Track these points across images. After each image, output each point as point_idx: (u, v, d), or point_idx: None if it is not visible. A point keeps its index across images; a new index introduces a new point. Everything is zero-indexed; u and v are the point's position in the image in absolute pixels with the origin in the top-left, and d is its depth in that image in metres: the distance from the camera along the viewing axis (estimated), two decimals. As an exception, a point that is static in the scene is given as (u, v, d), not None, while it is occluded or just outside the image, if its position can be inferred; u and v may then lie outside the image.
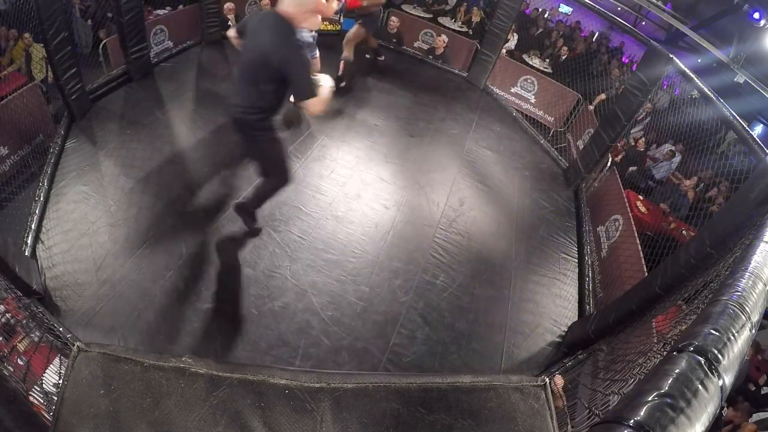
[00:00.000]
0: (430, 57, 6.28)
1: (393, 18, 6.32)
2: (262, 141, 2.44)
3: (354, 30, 4.75)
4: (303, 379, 0.83)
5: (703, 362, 0.80)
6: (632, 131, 6.36)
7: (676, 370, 0.78)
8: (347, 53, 4.80)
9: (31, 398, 1.69)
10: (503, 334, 3.01)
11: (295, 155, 3.84)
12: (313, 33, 3.93)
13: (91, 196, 3.08)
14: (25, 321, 2.28)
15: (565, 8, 9.53)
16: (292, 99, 2.55)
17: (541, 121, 5.95)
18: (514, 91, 5.99)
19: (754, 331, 0.98)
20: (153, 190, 3.21)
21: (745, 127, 2.81)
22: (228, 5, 5.63)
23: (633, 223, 3.66)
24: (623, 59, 7.99)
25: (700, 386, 0.75)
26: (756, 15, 6.29)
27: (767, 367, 4.05)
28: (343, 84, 4.87)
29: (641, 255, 3.38)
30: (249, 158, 2.90)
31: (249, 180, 3.47)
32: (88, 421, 0.78)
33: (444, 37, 6.24)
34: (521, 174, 4.58)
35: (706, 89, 3.31)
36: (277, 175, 2.69)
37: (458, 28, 7.14)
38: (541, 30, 7.80)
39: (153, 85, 4.32)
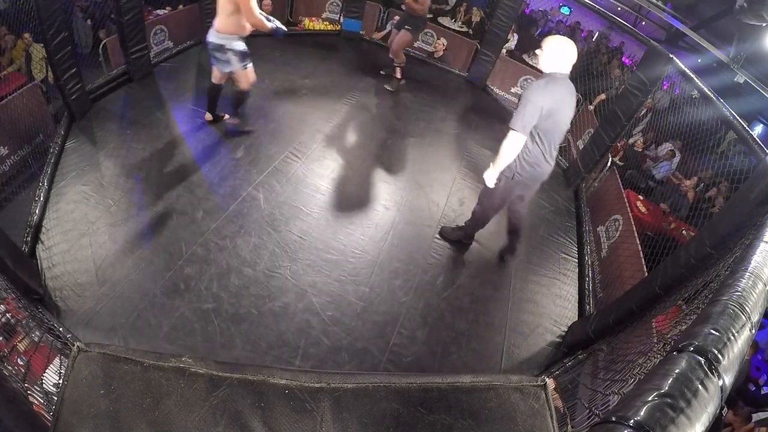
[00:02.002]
0: (430, 58, 6.28)
1: (396, 18, 6.32)
2: None
3: (400, 36, 4.90)
4: (303, 379, 0.83)
5: (703, 362, 0.80)
6: (635, 130, 6.36)
7: (676, 370, 0.78)
8: (399, 59, 5.06)
9: (31, 398, 1.69)
10: (503, 334, 3.01)
11: (295, 155, 3.84)
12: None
13: (91, 196, 3.08)
14: (25, 321, 2.28)
15: (565, 9, 9.54)
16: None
17: (541, 121, 5.95)
18: (514, 91, 6.00)
19: (754, 331, 0.98)
20: (153, 190, 3.21)
21: (745, 127, 2.81)
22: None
23: (633, 223, 3.66)
24: (624, 59, 7.99)
25: (700, 386, 0.75)
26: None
27: (767, 368, 4.06)
28: (402, 82, 5.21)
29: (641, 255, 3.38)
30: None
31: (247, 179, 3.47)
32: (88, 421, 0.77)
33: (443, 41, 6.25)
34: (521, 174, 4.58)
35: (706, 89, 3.31)
36: None
37: (458, 28, 7.14)
38: (540, 30, 7.80)
39: (153, 85, 4.32)
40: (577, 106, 5.57)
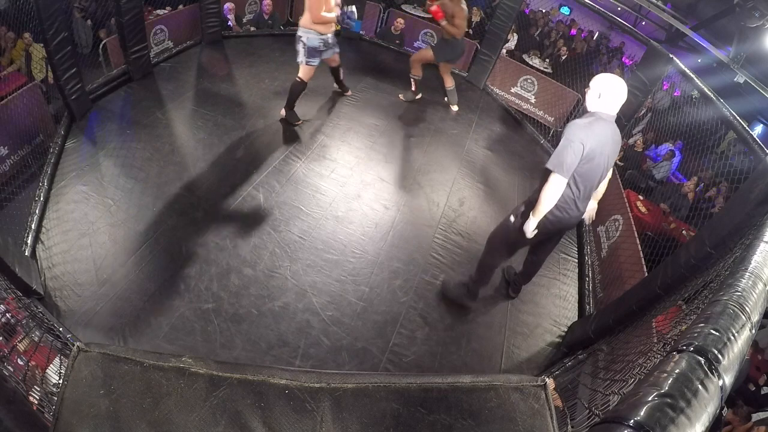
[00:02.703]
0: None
1: (399, 20, 6.33)
2: None
3: (424, 50, 4.89)
4: (303, 379, 0.83)
5: (703, 362, 0.80)
6: (634, 131, 6.36)
7: (676, 370, 0.78)
8: (415, 72, 4.91)
9: (31, 398, 1.69)
10: (503, 334, 3.01)
11: (295, 155, 3.84)
12: (325, 36, 3.78)
13: (91, 196, 3.08)
14: (25, 321, 2.28)
15: (565, 9, 9.54)
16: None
17: (541, 121, 5.95)
18: (514, 91, 6.00)
19: (754, 331, 0.98)
20: (153, 190, 3.21)
21: (745, 127, 2.81)
22: (228, 5, 5.64)
23: (633, 223, 3.66)
24: (624, 60, 8.00)
25: (700, 386, 0.75)
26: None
27: (767, 367, 4.06)
28: (419, 96, 5.14)
29: (641, 255, 3.38)
30: None
31: (247, 179, 3.47)
32: (88, 421, 0.77)
33: None
34: (521, 174, 4.58)
35: (706, 89, 3.31)
36: None
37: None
38: (540, 29, 7.80)
39: (153, 85, 4.32)
40: (577, 105, 5.62)
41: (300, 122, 4.20)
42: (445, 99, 5.21)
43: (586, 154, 2.25)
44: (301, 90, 4.00)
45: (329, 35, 3.83)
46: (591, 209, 2.74)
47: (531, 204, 2.45)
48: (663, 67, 3.78)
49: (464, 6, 4.44)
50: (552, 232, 2.61)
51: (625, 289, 2.92)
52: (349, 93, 4.88)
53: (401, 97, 5.11)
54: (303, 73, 3.88)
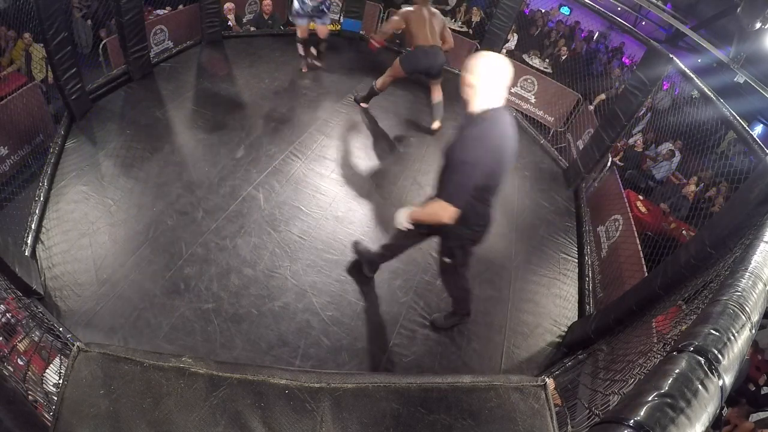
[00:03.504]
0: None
1: (394, 17, 6.32)
2: None
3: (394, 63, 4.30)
4: (303, 379, 0.83)
5: (703, 362, 0.80)
6: (634, 130, 6.36)
7: (676, 370, 0.78)
8: (380, 84, 4.43)
9: (31, 398, 1.69)
10: (503, 334, 3.01)
11: (295, 155, 3.84)
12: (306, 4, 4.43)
13: (91, 196, 3.08)
14: (25, 321, 2.28)
15: (565, 9, 9.53)
16: None
17: (541, 121, 5.95)
18: (514, 91, 6.00)
19: (754, 331, 0.98)
20: (153, 190, 3.21)
21: (745, 127, 2.81)
22: (228, 5, 5.64)
23: (633, 223, 3.67)
24: (624, 60, 8.00)
25: (700, 386, 0.75)
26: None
27: (767, 367, 4.06)
28: (364, 105, 4.71)
29: (641, 255, 3.38)
30: None
31: (247, 179, 3.47)
32: (88, 421, 0.77)
33: None
34: (521, 174, 4.58)
35: (706, 89, 3.31)
36: None
37: (458, 28, 7.14)
38: (540, 29, 7.80)
39: (153, 85, 4.32)
40: (577, 105, 5.60)
41: (306, 62, 5.01)
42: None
43: (486, 174, 1.91)
44: (301, 41, 4.85)
45: (310, 4, 4.49)
46: None
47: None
48: (663, 67, 3.78)
49: (425, 12, 4.00)
50: (464, 249, 2.41)
51: (625, 289, 2.92)
52: (320, 65, 5.13)
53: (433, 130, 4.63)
54: (297, 31, 4.77)
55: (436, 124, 4.65)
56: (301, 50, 4.93)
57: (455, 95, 5.55)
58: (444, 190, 1.94)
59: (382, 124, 4.58)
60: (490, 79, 1.87)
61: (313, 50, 5.06)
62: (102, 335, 2.37)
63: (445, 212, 1.92)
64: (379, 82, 4.44)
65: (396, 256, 2.75)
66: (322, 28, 4.80)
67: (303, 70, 5.02)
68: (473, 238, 2.26)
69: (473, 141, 1.87)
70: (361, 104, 4.71)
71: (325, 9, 4.66)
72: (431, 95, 4.51)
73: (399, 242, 2.58)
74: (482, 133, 1.88)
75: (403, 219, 2.19)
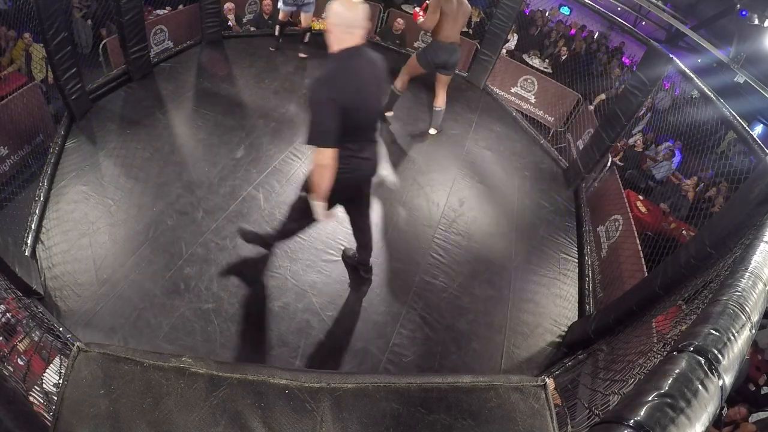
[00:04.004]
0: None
1: (398, 19, 6.32)
2: None
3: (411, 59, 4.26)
4: (303, 379, 0.83)
5: (703, 362, 0.80)
6: (634, 130, 6.36)
7: (676, 370, 0.78)
8: (399, 84, 4.35)
9: (31, 398, 1.69)
10: (503, 334, 3.01)
11: (295, 155, 3.84)
12: None
13: (91, 196, 3.08)
14: (25, 321, 2.28)
15: (565, 9, 9.53)
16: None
17: (541, 121, 5.96)
18: (514, 91, 6.00)
19: (754, 331, 0.98)
20: (153, 190, 3.21)
21: (745, 127, 2.81)
22: (228, 5, 5.64)
23: (633, 223, 3.67)
24: (624, 59, 8.00)
25: (700, 386, 0.75)
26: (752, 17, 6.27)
27: (767, 367, 4.06)
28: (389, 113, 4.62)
29: (641, 255, 3.38)
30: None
31: (247, 179, 3.47)
32: (88, 421, 0.78)
33: None
34: (521, 174, 4.58)
35: (706, 89, 3.31)
36: None
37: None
38: (539, 29, 7.80)
39: (153, 85, 4.32)
40: (577, 105, 5.60)
41: (276, 44, 5.25)
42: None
43: (345, 109, 1.91)
44: (279, 23, 5.12)
45: None
46: None
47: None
48: (663, 67, 3.78)
49: (455, 3, 3.86)
50: (349, 194, 2.34)
51: (625, 289, 2.92)
52: (304, 55, 5.29)
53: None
54: (280, 14, 5.01)
55: (432, 130, 4.61)
56: (276, 31, 5.22)
57: (454, 95, 5.55)
58: (308, 135, 1.98)
59: (382, 124, 4.58)
60: (342, 20, 1.92)
61: (301, 45, 5.33)
62: (102, 335, 2.37)
63: (320, 155, 1.97)
64: (398, 84, 4.37)
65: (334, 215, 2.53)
66: (306, 17, 5.03)
67: (271, 49, 5.28)
68: (354, 178, 2.23)
69: (323, 80, 1.94)
70: (386, 113, 4.61)
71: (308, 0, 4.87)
72: (435, 99, 4.43)
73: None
74: (333, 72, 1.95)
75: (318, 210, 2.19)
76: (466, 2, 4.04)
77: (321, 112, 1.91)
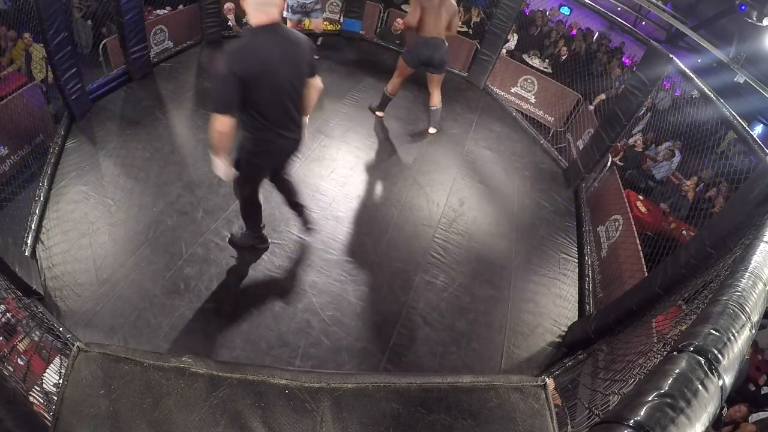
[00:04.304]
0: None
1: (398, 19, 6.32)
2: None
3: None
4: (303, 379, 0.83)
5: (703, 362, 0.80)
6: (634, 130, 6.35)
7: (676, 370, 0.78)
8: (390, 87, 4.36)
9: (31, 398, 1.69)
10: (503, 334, 3.01)
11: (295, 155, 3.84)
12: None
13: (91, 196, 3.08)
14: (25, 321, 2.28)
15: (565, 9, 9.53)
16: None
17: (541, 121, 5.95)
18: (514, 91, 6.00)
19: (754, 331, 0.98)
20: (153, 190, 3.21)
21: (745, 127, 2.81)
22: (228, 5, 5.64)
23: (633, 223, 3.67)
24: (624, 59, 7.99)
25: (700, 386, 0.75)
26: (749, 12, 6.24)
27: (767, 367, 4.06)
28: (380, 114, 4.62)
29: (641, 255, 3.38)
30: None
31: (249, 180, 3.47)
32: (88, 421, 0.78)
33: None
34: (521, 174, 4.58)
35: (706, 89, 3.31)
36: None
37: (458, 28, 7.13)
38: (539, 29, 7.80)
39: (153, 85, 4.32)
40: (577, 105, 5.60)
41: None
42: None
43: (249, 82, 2.00)
44: None
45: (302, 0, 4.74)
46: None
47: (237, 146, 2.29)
48: (663, 67, 3.78)
49: (437, 0, 3.86)
50: (269, 161, 2.42)
51: (625, 289, 2.92)
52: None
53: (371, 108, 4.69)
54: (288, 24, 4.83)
55: (432, 129, 4.59)
56: None
57: (454, 95, 5.56)
58: (211, 102, 2.15)
59: (382, 124, 4.58)
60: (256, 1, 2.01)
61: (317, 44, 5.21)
62: (102, 335, 2.37)
63: (217, 121, 2.05)
64: (389, 87, 4.38)
65: (257, 200, 2.66)
66: (316, 22, 5.05)
67: None
68: (268, 151, 2.32)
69: (229, 53, 2.03)
70: (377, 113, 4.63)
71: (312, 6, 4.83)
72: (430, 99, 4.42)
73: (245, 182, 2.50)
74: (239, 46, 2.04)
75: (218, 165, 2.26)
76: (450, 0, 3.99)
77: (222, 82, 2.01)
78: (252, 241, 2.92)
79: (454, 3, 4.05)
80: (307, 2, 4.75)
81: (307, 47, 2.20)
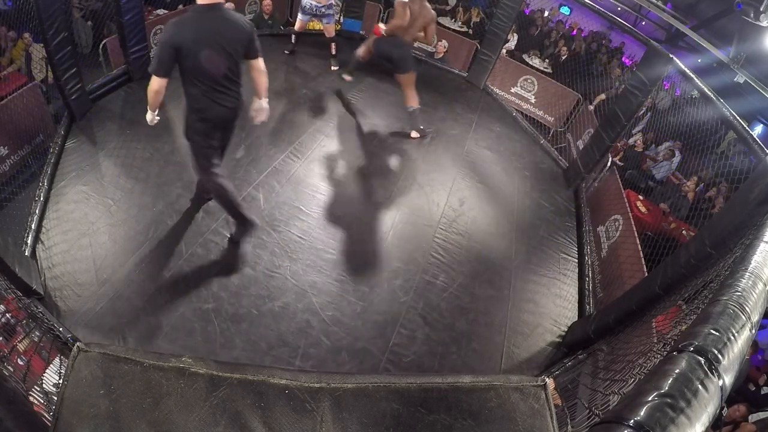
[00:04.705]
0: (430, 59, 6.29)
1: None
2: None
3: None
4: (303, 379, 0.83)
5: (703, 362, 0.80)
6: (634, 130, 6.35)
7: (676, 370, 0.78)
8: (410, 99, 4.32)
9: (31, 398, 1.69)
10: (503, 334, 3.01)
11: (295, 155, 3.84)
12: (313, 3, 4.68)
13: (91, 196, 3.08)
14: (25, 321, 2.28)
15: (565, 9, 9.52)
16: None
17: (541, 121, 5.96)
18: (514, 91, 6.00)
19: (754, 331, 0.98)
20: (153, 190, 3.21)
21: (745, 127, 2.81)
22: (228, 5, 5.64)
23: (633, 223, 3.67)
24: (624, 59, 8.00)
25: (700, 386, 0.75)
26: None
27: (767, 367, 4.06)
28: (348, 78, 4.71)
29: (641, 255, 3.38)
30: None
31: (247, 179, 3.47)
32: (88, 421, 0.78)
33: (444, 43, 6.25)
34: (521, 174, 4.58)
35: (706, 89, 3.31)
36: None
37: (458, 28, 7.14)
38: (539, 29, 7.80)
39: (153, 85, 4.31)
40: (577, 105, 5.60)
41: (292, 47, 5.27)
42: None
43: (182, 51, 2.27)
44: (294, 32, 5.17)
45: (314, 4, 4.70)
46: (257, 108, 2.79)
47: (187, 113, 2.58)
48: (663, 67, 3.78)
49: (416, 6, 3.90)
50: (211, 127, 2.61)
51: (625, 289, 2.92)
52: (333, 69, 5.16)
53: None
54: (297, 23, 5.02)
55: (413, 134, 4.45)
56: (292, 39, 5.30)
57: (454, 95, 5.56)
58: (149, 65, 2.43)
59: (383, 124, 4.58)
60: None
61: (331, 60, 5.27)
62: (102, 335, 2.37)
63: (152, 81, 2.40)
64: (411, 102, 4.36)
65: (213, 166, 2.71)
66: (328, 28, 5.02)
67: (285, 52, 5.29)
68: (204, 116, 2.55)
69: (168, 25, 2.31)
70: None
71: (324, 11, 4.80)
72: (404, 100, 4.35)
73: (197, 151, 2.68)
74: (179, 20, 2.32)
75: (148, 117, 2.66)
76: (429, 8, 4.00)
77: (159, 48, 2.31)
78: (243, 229, 2.89)
79: (432, 11, 4.05)
80: (320, 6, 4.74)
81: (246, 29, 2.43)
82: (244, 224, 2.86)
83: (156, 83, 2.40)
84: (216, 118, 2.57)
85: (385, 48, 4.09)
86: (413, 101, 4.35)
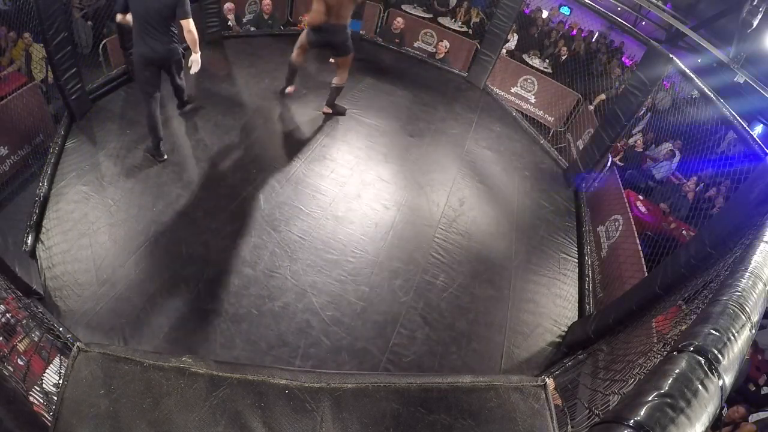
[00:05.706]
0: (431, 59, 6.29)
1: (398, 18, 6.32)
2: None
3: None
4: (303, 379, 0.83)
5: (703, 362, 0.80)
6: (634, 130, 6.35)
7: (676, 370, 0.78)
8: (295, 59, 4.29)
9: (31, 398, 1.69)
10: (503, 334, 3.01)
11: (295, 155, 3.84)
12: None
13: (91, 196, 3.08)
14: (25, 321, 2.28)
15: (565, 9, 9.53)
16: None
17: (541, 121, 5.96)
18: (514, 91, 6.00)
19: (754, 331, 0.98)
20: (153, 190, 3.21)
21: (745, 127, 2.81)
22: (228, 5, 5.64)
23: (633, 223, 3.67)
24: (624, 59, 7.99)
25: (700, 386, 0.75)
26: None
27: (767, 367, 4.06)
28: (289, 89, 4.54)
29: (641, 255, 3.38)
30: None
31: (248, 180, 3.47)
32: (88, 421, 0.78)
33: (446, 43, 6.25)
34: (521, 174, 4.58)
35: (706, 89, 3.31)
36: None
37: (458, 28, 7.14)
38: (539, 29, 7.80)
39: (153, 85, 4.30)
40: (577, 105, 5.59)
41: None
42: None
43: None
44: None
45: None
46: (192, 59, 3.26)
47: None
48: (663, 67, 3.78)
49: None
50: (141, 62, 3.16)
51: (625, 289, 2.92)
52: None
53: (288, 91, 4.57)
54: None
55: (326, 109, 4.41)
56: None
57: (454, 95, 5.56)
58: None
59: (382, 124, 4.58)
60: None
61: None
62: (102, 335, 2.37)
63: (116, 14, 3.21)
64: (293, 57, 4.28)
65: (148, 91, 3.30)
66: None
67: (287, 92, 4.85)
68: (139, 54, 3.13)
69: None
70: (287, 90, 4.48)
71: None
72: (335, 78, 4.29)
73: (137, 77, 3.35)
74: None
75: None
76: None
77: None
78: (153, 150, 3.45)
79: None
80: None
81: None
82: (154, 142, 3.43)
83: (117, 17, 3.34)
84: (142, 56, 3.12)
85: (320, 38, 4.01)
86: (341, 80, 4.27)
